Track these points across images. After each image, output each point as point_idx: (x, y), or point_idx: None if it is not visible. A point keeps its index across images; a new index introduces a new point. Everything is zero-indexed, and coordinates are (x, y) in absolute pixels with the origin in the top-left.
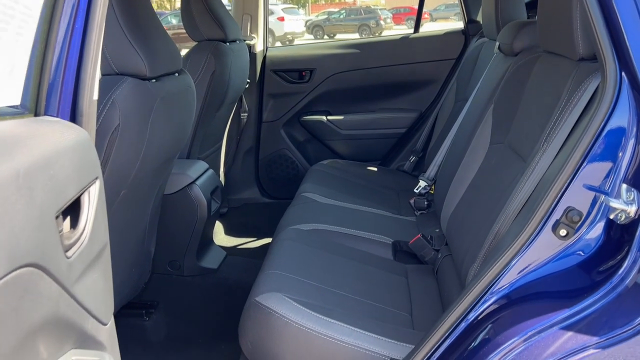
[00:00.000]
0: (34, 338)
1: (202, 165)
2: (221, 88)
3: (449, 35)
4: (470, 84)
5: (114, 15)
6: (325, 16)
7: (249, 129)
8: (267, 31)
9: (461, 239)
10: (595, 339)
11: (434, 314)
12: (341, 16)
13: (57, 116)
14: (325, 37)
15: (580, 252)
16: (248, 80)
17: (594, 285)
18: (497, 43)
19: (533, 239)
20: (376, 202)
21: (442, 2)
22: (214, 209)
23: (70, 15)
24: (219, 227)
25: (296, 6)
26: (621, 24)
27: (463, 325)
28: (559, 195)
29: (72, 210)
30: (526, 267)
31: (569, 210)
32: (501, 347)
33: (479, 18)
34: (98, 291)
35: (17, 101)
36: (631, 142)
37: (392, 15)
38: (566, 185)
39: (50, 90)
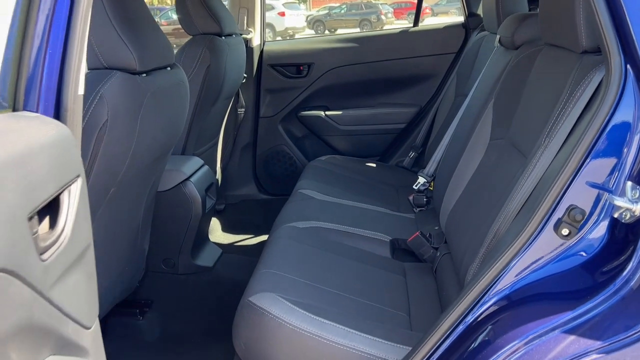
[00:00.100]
0: (4, 346)
1: (196, 161)
2: (216, 83)
3: (449, 28)
4: (470, 79)
5: (102, 7)
6: (326, 11)
7: (246, 124)
8: (265, 25)
9: (460, 237)
10: (598, 344)
11: (432, 314)
12: (342, 11)
13: (37, 111)
14: (326, 32)
15: (583, 253)
16: (245, 75)
17: (597, 287)
18: (498, 36)
19: (534, 239)
20: (375, 198)
21: None
22: (209, 206)
23: (51, 5)
24: (215, 224)
25: (297, 1)
26: (626, 14)
27: (461, 327)
28: (561, 193)
29: (52, 210)
30: (527, 268)
31: (571, 208)
32: (501, 351)
33: (480, 11)
34: (80, 294)
35: None
36: (636, 137)
37: (393, 9)
38: (569, 182)
39: (29, 85)
